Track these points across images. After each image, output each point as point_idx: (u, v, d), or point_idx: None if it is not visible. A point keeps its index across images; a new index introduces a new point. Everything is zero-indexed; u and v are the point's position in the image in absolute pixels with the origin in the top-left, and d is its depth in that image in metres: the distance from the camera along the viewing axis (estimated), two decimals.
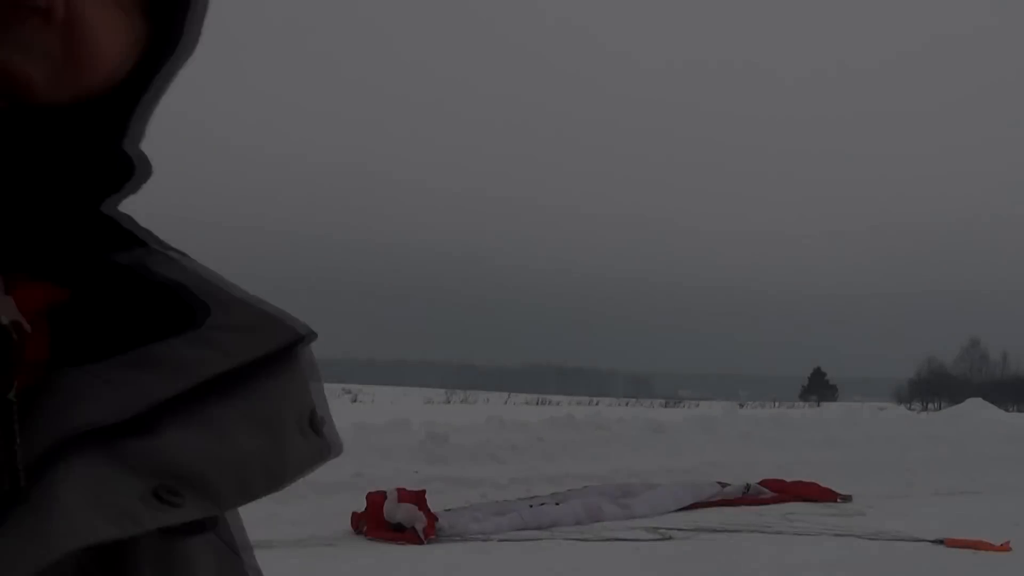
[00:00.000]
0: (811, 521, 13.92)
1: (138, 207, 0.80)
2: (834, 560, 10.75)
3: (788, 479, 17.02)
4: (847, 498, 16.36)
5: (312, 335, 0.80)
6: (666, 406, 56.30)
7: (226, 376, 0.74)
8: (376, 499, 11.72)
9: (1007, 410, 49.59)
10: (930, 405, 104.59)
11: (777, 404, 71.18)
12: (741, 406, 54.78)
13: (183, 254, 0.81)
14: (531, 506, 13.53)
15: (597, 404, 50.22)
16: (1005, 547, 11.66)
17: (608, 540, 11.87)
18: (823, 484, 16.77)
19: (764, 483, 16.49)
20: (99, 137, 0.75)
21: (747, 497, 15.75)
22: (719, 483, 16.16)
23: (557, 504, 13.65)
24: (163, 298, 0.77)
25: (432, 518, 11.46)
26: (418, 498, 11.65)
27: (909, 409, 62.12)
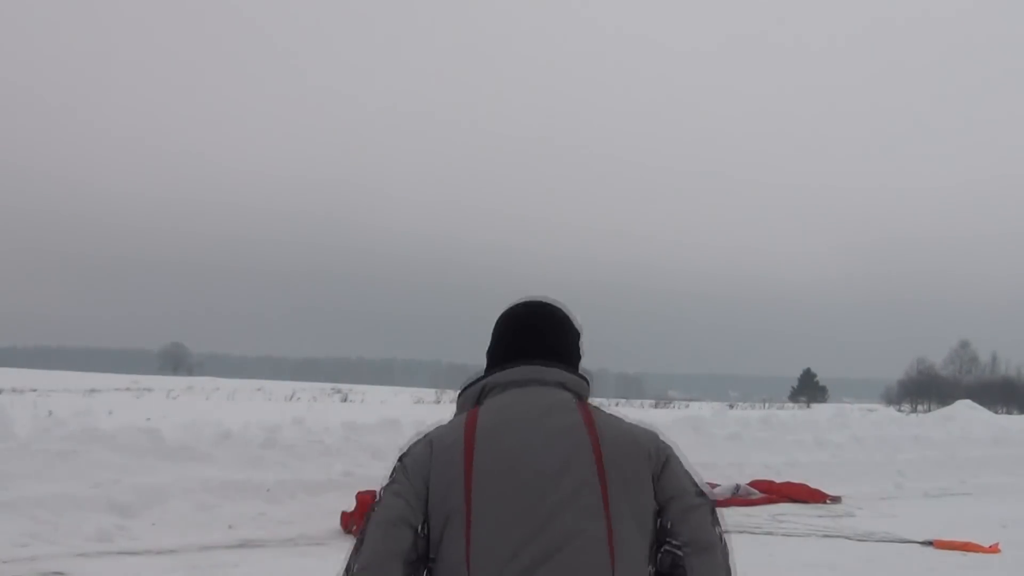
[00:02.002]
0: (800, 522, 13.92)
1: None
2: (823, 561, 10.75)
3: (778, 480, 17.04)
4: (836, 499, 16.38)
5: None
6: (656, 406, 56.21)
7: None
8: (366, 498, 11.57)
9: (996, 411, 49.63)
10: (919, 406, 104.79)
11: (767, 405, 71.18)
12: (731, 407, 54.75)
13: None
14: None
15: None
16: (994, 549, 11.68)
17: None
18: (813, 485, 16.79)
19: (754, 484, 16.51)
20: None
21: (737, 498, 15.76)
22: (708, 483, 16.13)
23: None
24: None
25: None
26: None
27: (898, 410, 62.13)
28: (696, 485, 2.66)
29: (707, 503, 2.63)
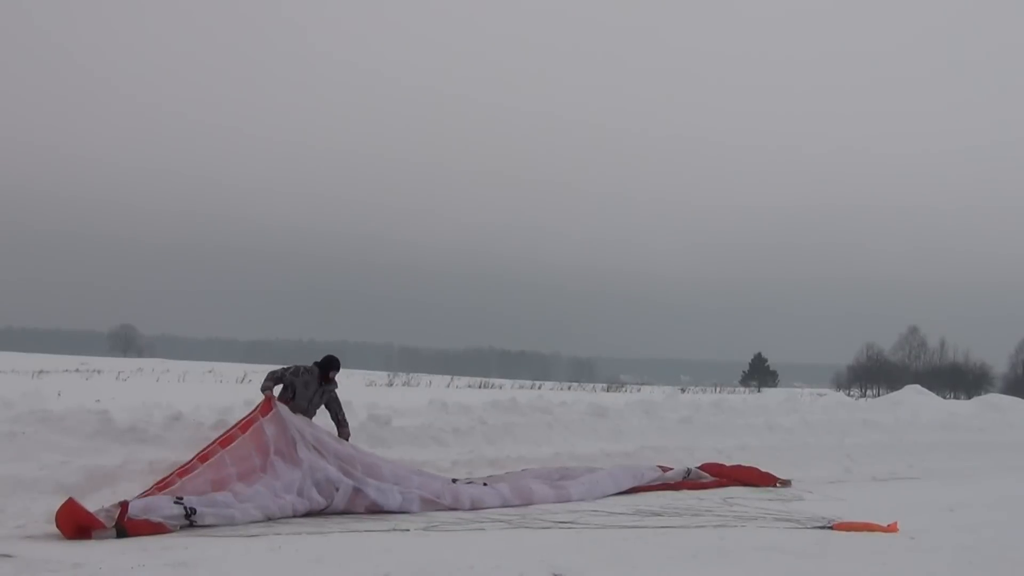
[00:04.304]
0: (751, 505, 14.01)
1: None
2: (773, 544, 10.78)
3: (728, 463, 17.14)
4: (786, 483, 16.52)
5: None
6: (608, 390, 56.39)
7: None
8: (74, 507, 10.16)
9: (944, 397, 50.25)
10: (869, 391, 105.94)
11: (718, 389, 71.63)
12: (683, 390, 55.09)
13: None
14: (454, 481, 13.55)
15: (540, 388, 50.24)
16: (892, 528, 11.85)
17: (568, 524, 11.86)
18: (763, 469, 16.92)
19: (705, 467, 16.61)
20: None
21: (688, 481, 15.85)
22: (660, 467, 16.25)
23: (484, 484, 13.63)
24: None
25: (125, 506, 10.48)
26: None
27: (848, 395, 62.70)
28: None
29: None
